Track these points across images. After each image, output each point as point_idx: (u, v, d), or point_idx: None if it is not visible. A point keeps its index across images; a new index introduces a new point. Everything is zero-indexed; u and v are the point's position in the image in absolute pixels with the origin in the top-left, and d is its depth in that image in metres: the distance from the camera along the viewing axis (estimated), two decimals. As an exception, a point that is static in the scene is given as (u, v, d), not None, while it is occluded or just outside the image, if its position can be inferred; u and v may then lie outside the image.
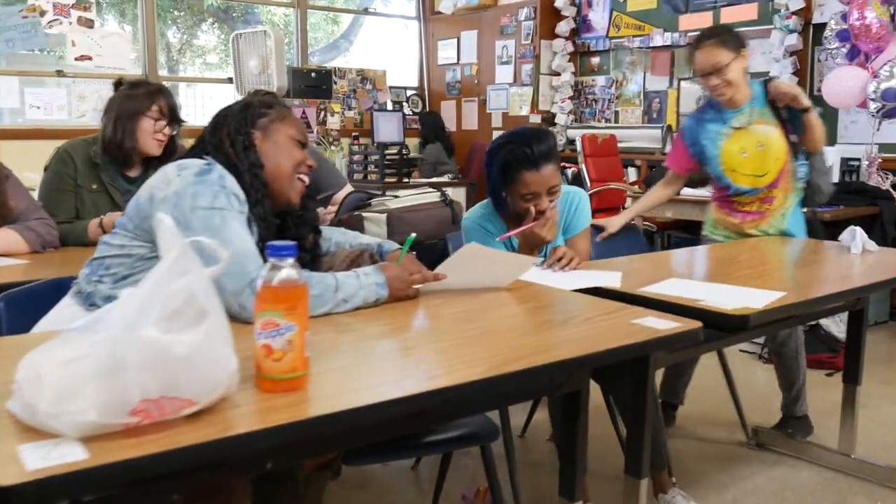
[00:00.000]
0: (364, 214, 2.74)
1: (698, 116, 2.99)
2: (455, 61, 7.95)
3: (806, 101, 2.82)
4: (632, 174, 6.36)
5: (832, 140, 5.45)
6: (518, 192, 2.28)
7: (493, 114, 7.58)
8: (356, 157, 5.92)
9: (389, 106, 8.06)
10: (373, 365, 1.36)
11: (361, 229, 2.74)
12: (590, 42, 7.02)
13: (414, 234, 1.86)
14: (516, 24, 7.26)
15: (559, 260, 2.21)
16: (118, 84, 2.76)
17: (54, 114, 6.37)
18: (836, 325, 4.13)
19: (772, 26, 5.62)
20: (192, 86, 8.12)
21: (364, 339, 1.53)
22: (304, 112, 6.87)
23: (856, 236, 2.62)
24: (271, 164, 1.78)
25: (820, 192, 3.06)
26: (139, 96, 2.67)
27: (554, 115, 7.17)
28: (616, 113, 6.91)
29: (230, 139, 1.77)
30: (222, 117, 1.85)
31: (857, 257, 2.54)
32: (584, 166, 5.89)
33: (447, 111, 8.07)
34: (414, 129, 7.62)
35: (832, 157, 4.81)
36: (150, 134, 2.60)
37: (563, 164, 7.31)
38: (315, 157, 3.44)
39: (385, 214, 2.71)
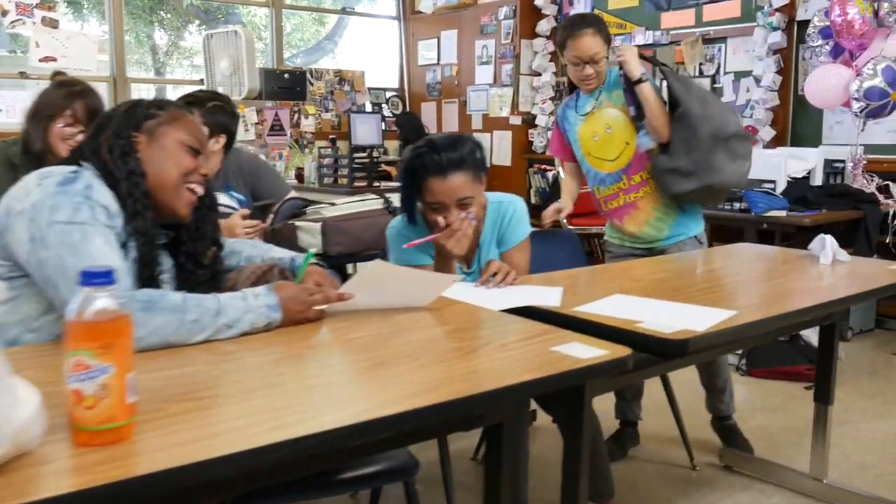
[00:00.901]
0: (297, 224, 2.55)
1: (564, 107, 3.03)
2: (435, 62, 7.76)
3: (635, 71, 2.74)
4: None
5: (816, 141, 5.26)
6: (425, 202, 2.10)
7: (473, 115, 7.39)
8: (325, 161, 5.72)
9: (368, 108, 7.87)
10: (237, 405, 1.17)
11: (294, 240, 2.55)
12: (571, 41, 6.82)
13: (313, 250, 1.67)
14: (496, 24, 7.07)
15: (494, 275, 2.02)
16: (51, 78, 2.59)
17: (17, 116, 6.17)
18: (817, 335, 3.92)
19: (755, 24, 5.42)
20: (179, 87, 7.91)
21: (241, 370, 1.34)
22: (276, 114, 6.68)
23: (826, 245, 2.43)
24: (154, 172, 1.59)
25: (678, 195, 2.81)
26: (58, 96, 2.48)
27: (534, 117, 6.98)
28: (598, 114, 6.71)
29: (109, 143, 1.58)
30: (106, 118, 1.66)
31: (826, 268, 2.35)
32: (560, 169, 5.68)
33: (428, 113, 7.89)
34: (394, 132, 7.44)
35: (816, 158, 4.63)
36: (59, 139, 2.41)
37: (545, 167, 7.17)
38: (254, 163, 3.26)
39: (319, 224, 2.52)
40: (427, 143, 2.10)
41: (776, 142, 5.44)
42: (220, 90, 6.71)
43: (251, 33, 6.48)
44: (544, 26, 6.83)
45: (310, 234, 2.51)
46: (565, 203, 3.04)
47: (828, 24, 4.49)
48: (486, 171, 2.19)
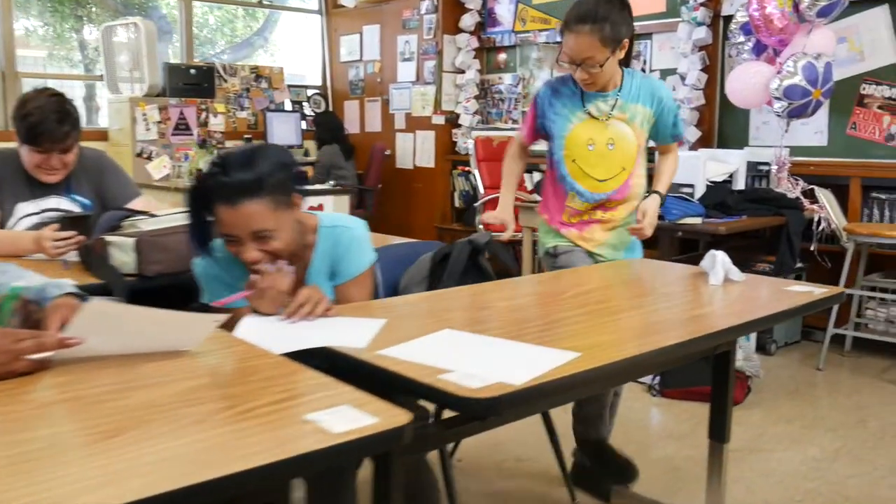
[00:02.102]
0: (108, 239, 2.17)
1: (556, 86, 2.56)
2: (358, 58, 7.39)
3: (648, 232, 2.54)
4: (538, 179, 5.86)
5: (743, 142, 5.01)
6: (218, 231, 1.73)
7: (396, 114, 7.04)
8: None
9: (288, 106, 7.48)
10: None
11: (107, 258, 2.16)
12: (496, 37, 6.51)
13: (19, 285, 1.29)
14: (419, 18, 6.73)
15: (301, 307, 1.66)
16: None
17: None
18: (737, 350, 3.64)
19: (679, 19, 5.15)
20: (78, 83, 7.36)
21: None
22: (182, 112, 6.26)
23: (716, 263, 2.11)
24: None
25: None
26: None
27: (458, 116, 6.64)
28: (523, 113, 6.40)
29: None
30: None
31: (716, 290, 2.04)
32: (476, 171, 5.36)
33: (350, 111, 7.52)
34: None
35: (738, 160, 4.36)
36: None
37: (468, 169, 6.83)
38: (100, 162, 2.85)
39: (134, 239, 2.14)
40: (219, 160, 1.73)
41: (702, 143, 5.18)
42: (121, 87, 6.27)
43: (152, 26, 6.05)
44: (468, 21, 6.50)
45: (123, 252, 2.12)
46: (507, 217, 2.64)
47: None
48: (297, 192, 1.79)
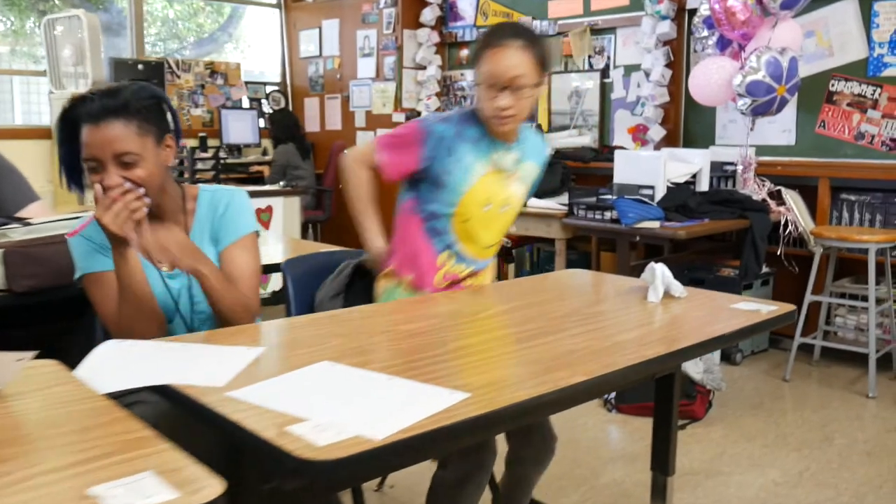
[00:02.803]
0: (-31, 251, 1.91)
1: (460, 127, 1.99)
2: (317, 54, 7.13)
3: None
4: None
5: (709, 141, 4.80)
6: (83, 159, 1.67)
7: (356, 112, 6.78)
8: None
9: (245, 103, 7.21)
10: None
11: (-30, 271, 1.91)
12: (457, 32, 6.27)
13: None
14: (378, 12, 6.48)
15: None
16: None
17: None
18: (693, 364, 3.44)
19: (642, 13, 4.94)
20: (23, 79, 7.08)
21: None
22: (129, 109, 5.96)
23: (655, 277, 1.89)
24: None
25: None
26: None
27: (419, 114, 6.40)
28: (486, 111, 6.16)
29: None
30: None
31: (654, 308, 1.81)
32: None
33: (310, 109, 7.25)
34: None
35: (702, 160, 4.15)
36: None
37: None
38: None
39: (1, 250, 1.89)
40: (89, 91, 1.70)
41: (667, 141, 4.97)
42: (65, 82, 5.98)
43: (95, 19, 5.76)
44: (428, 15, 6.26)
45: (-13, 265, 1.88)
46: (383, 249, 2.09)
47: (713, 11, 4.01)
48: (168, 130, 1.74)
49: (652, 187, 3.89)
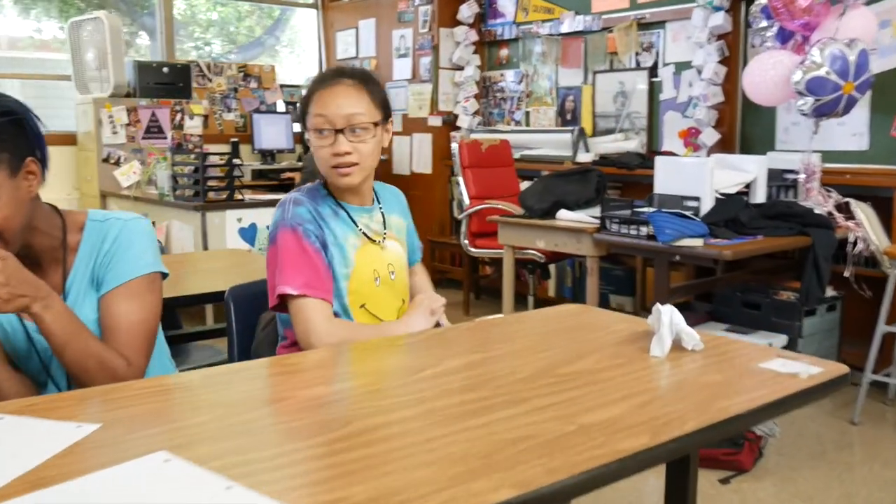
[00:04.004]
0: None
1: (313, 209, 1.68)
2: (354, 55, 6.82)
3: None
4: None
5: (769, 146, 4.29)
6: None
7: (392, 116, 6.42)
8: (183, 169, 4.75)
9: (281, 107, 6.94)
10: None
11: None
12: (497, 29, 5.87)
13: None
14: (413, 10, 6.12)
15: None
16: None
17: None
18: (782, 365, 2.95)
19: (693, 4, 4.45)
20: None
21: None
22: (153, 114, 5.75)
23: (662, 323, 1.46)
24: None
25: None
26: None
27: (456, 118, 6.01)
28: (527, 114, 5.74)
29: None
30: None
31: (659, 367, 1.38)
32: (461, 179, 4.73)
33: (347, 113, 6.93)
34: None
35: (757, 168, 3.65)
36: None
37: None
38: None
39: None
40: None
41: (722, 147, 4.47)
42: (91, 86, 5.80)
43: (117, 20, 5.56)
44: (466, 12, 5.87)
45: None
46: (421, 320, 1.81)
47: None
48: (28, 153, 1.41)
49: (697, 199, 3.41)
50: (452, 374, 1.33)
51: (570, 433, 1.07)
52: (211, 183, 4.52)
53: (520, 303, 5.09)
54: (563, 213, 3.68)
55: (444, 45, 5.96)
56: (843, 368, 1.37)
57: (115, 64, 5.49)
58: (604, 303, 4.83)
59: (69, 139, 5.83)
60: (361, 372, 1.37)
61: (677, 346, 1.46)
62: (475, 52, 5.96)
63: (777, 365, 1.38)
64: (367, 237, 1.73)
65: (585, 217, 3.58)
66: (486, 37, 5.93)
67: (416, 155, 6.23)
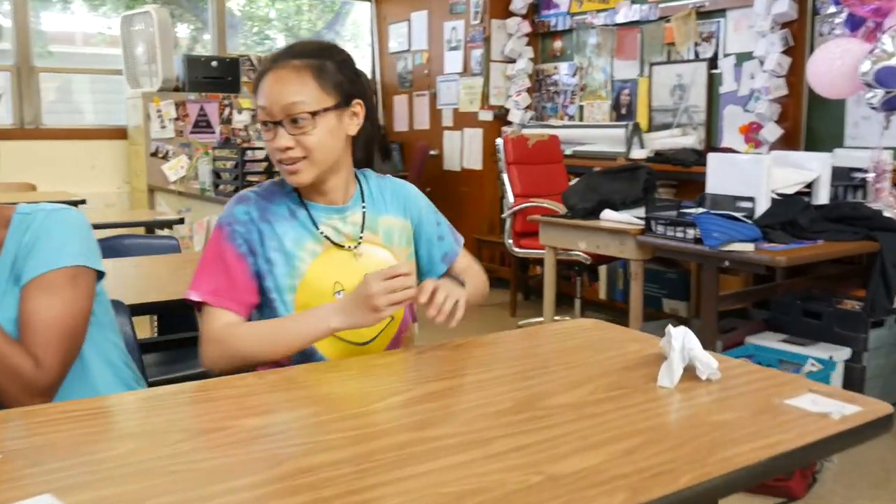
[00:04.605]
0: None
1: (261, 207, 1.49)
2: (406, 48, 6.68)
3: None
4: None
5: (835, 143, 3.97)
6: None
7: (443, 110, 6.27)
8: (225, 164, 4.70)
9: (332, 102, 6.85)
10: None
11: None
12: (550, 20, 5.64)
13: None
14: (465, 1, 5.94)
15: None
16: None
17: None
18: (812, 403, 2.69)
19: (756, -11, 4.16)
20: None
21: None
22: (202, 108, 5.72)
23: (672, 349, 1.26)
24: None
25: None
26: None
27: (507, 112, 5.81)
28: (581, 108, 5.51)
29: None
30: None
31: (665, 399, 1.19)
32: (505, 176, 4.54)
33: (399, 107, 6.82)
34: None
35: (820, 166, 3.36)
36: None
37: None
38: None
39: None
40: None
41: (785, 143, 4.17)
42: (141, 81, 5.81)
43: (166, 14, 5.54)
44: (518, 3, 5.66)
45: None
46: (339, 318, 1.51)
47: (840, -17, 3.22)
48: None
49: (751, 199, 3.16)
50: (414, 405, 1.16)
51: (532, 487, 0.90)
52: (251, 178, 4.44)
53: (566, 305, 4.88)
54: (607, 214, 3.46)
55: (495, 36, 5.76)
56: (885, 408, 1.15)
57: (164, 58, 5.47)
58: (656, 306, 4.59)
59: (120, 133, 5.86)
60: (314, 398, 1.22)
61: (692, 374, 1.26)
62: (528, 44, 5.75)
63: (806, 402, 1.17)
64: (333, 242, 1.51)
65: (630, 218, 3.35)
66: (540, 28, 5.71)
67: (466, 150, 6.06)
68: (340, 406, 1.17)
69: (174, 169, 5.59)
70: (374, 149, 1.63)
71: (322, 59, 1.45)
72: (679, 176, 4.50)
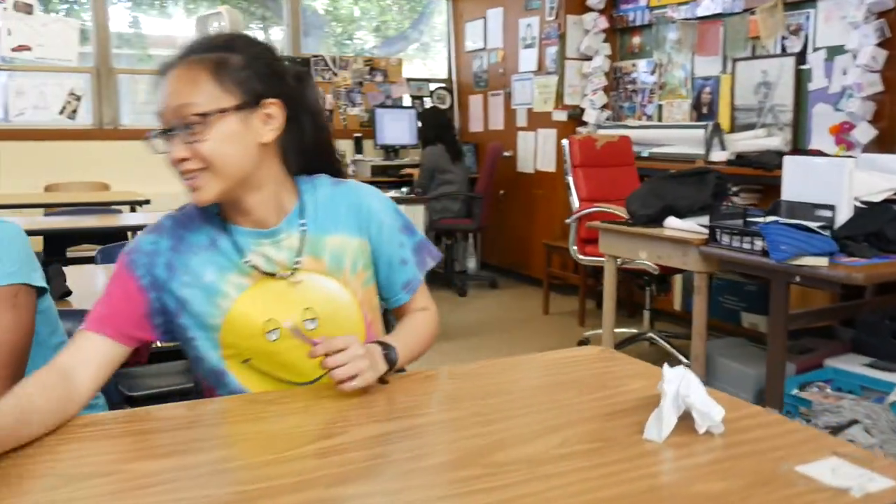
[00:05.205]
0: None
1: (175, 236, 1.30)
2: (482, 46, 6.50)
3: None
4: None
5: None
6: None
7: (517, 110, 6.07)
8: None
9: (407, 101, 6.75)
10: None
11: None
12: (629, 15, 5.35)
13: None
14: (541, -3, 5.72)
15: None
16: None
17: (-14, 112, 5.60)
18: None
19: (849, -24, 3.79)
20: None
21: None
22: (272, 109, 5.68)
23: (665, 393, 1.05)
24: None
25: None
26: None
27: (582, 112, 5.56)
28: (660, 107, 5.21)
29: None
30: None
31: (650, 455, 0.98)
32: (570, 179, 4.30)
33: (475, 107, 6.65)
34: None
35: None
36: None
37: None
38: None
39: None
40: None
41: (879, 145, 3.79)
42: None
43: (237, 14, 5.55)
44: (595, -3, 5.40)
45: None
46: None
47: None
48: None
49: (831, 208, 2.84)
50: (343, 452, 0.99)
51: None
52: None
53: (638, 316, 4.60)
54: (670, 221, 3.19)
55: (571, 33, 5.52)
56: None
57: (234, 58, 5.47)
58: (734, 321, 4.26)
59: (194, 134, 5.90)
60: (234, 437, 1.06)
61: (692, 424, 1.04)
62: (605, 40, 5.48)
63: (825, 470, 0.94)
64: (263, 272, 1.28)
65: (694, 226, 3.08)
66: (618, 23, 5.43)
67: (540, 151, 5.83)
68: (258, 450, 1.01)
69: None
70: (327, 156, 1.40)
71: (226, 52, 1.23)
72: (762, 180, 4.16)
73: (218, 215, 1.31)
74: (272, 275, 1.29)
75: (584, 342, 4.38)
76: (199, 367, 1.32)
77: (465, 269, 6.30)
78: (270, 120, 1.24)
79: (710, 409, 1.05)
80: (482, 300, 5.65)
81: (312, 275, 1.31)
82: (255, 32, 6.73)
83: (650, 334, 4.14)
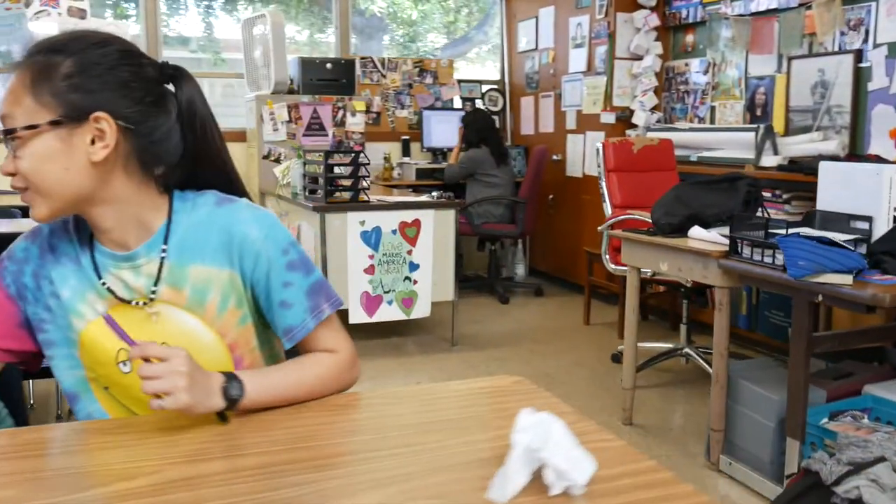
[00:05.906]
0: None
1: (53, 240, 1.20)
2: (534, 47, 6.31)
3: None
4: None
5: None
6: None
7: (567, 112, 5.85)
8: (317, 169, 4.53)
9: (457, 103, 6.62)
10: None
11: None
12: (681, 12, 5.08)
13: None
14: (591, -5, 5.49)
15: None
16: None
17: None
18: (869, 490, 2.11)
19: (911, -35, 3.46)
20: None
21: None
22: (315, 111, 5.65)
23: (512, 446, 0.87)
24: None
25: None
26: None
27: (632, 114, 5.30)
28: (713, 109, 4.91)
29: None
30: None
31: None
32: (604, 184, 4.07)
33: (526, 109, 6.46)
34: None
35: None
36: None
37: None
38: None
39: None
40: None
41: (942, 151, 3.45)
42: (261, 83, 5.83)
43: (280, 17, 5.51)
44: (647, -6, 5.15)
45: None
46: None
47: None
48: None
49: (868, 219, 2.57)
50: (133, 498, 0.85)
51: None
52: (343, 182, 4.26)
53: (679, 330, 4.34)
54: (695, 231, 2.95)
55: (621, 31, 5.27)
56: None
57: (277, 60, 5.45)
58: (782, 338, 3.96)
59: (240, 136, 5.91)
60: (37, 473, 0.93)
61: (545, 482, 0.87)
62: (656, 38, 5.22)
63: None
64: (118, 297, 1.16)
65: (717, 237, 2.84)
66: (670, 21, 5.16)
67: (589, 154, 5.60)
68: (52, 489, 0.88)
69: (285, 172, 5.54)
70: (214, 168, 1.23)
71: (55, 56, 1.07)
72: (816, 187, 3.85)
73: (83, 228, 1.19)
74: (129, 302, 1.16)
75: (616, 356, 4.15)
76: (62, 388, 1.22)
77: (512, 276, 6.12)
78: (102, 136, 1.08)
79: (571, 467, 0.87)
80: (524, 308, 5.46)
81: (171, 307, 1.17)
82: (313, 35, 6.70)
83: (686, 350, 3.88)
